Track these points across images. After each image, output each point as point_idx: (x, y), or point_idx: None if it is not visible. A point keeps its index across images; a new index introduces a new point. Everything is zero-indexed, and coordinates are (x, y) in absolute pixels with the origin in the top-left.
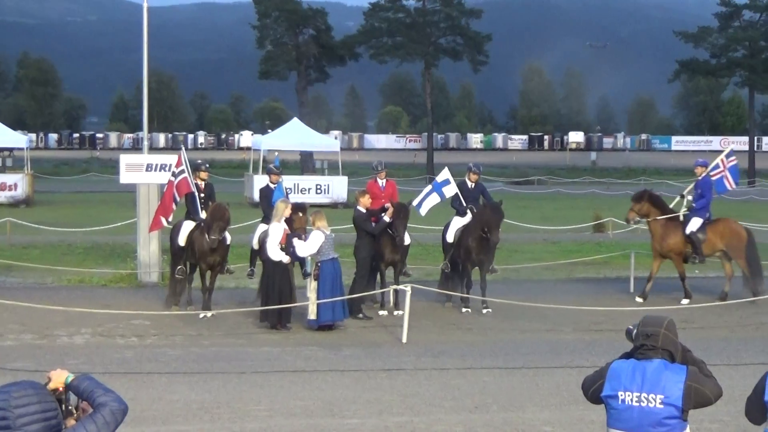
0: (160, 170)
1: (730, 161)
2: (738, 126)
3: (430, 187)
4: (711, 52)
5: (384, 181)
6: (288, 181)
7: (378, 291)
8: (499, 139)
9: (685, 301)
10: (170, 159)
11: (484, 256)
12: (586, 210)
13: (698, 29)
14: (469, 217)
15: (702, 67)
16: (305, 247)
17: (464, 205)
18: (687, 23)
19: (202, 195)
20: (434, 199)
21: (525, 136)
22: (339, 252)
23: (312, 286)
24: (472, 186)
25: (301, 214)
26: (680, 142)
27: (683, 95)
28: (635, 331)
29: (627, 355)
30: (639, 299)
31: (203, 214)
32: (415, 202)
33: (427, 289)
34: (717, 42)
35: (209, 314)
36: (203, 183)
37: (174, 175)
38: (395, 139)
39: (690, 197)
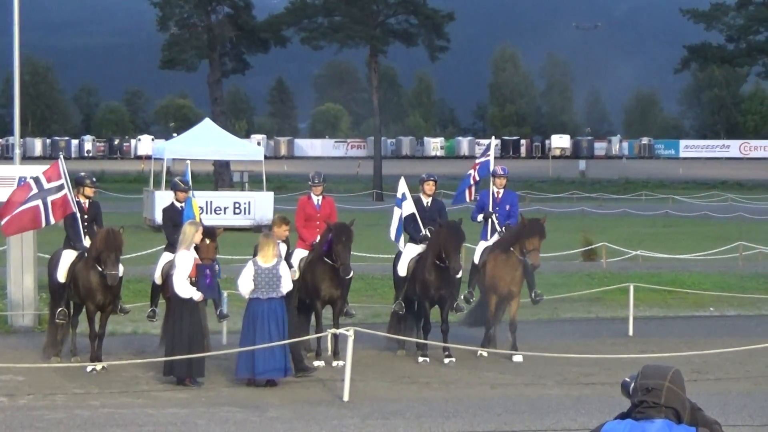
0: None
1: (484, 157)
2: (763, 127)
3: (398, 210)
4: (727, 35)
5: (320, 197)
6: (199, 198)
7: (312, 336)
8: (464, 144)
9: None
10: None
11: (446, 290)
12: (574, 233)
13: (711, 7)
14: (425, 244)
15: (716, 53)
16: (238, 282)
17: (421, 230)
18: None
19: (86, 216)
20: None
21: (497, 141)
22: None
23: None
24: (428, 203)
25: (208, 241)
26: (690, 148)
27: (693, 89)
28: (633, 384)
29: (623, 415)
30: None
31: (87, 242)
32: (392, 235)
33: (374, 333)
34: (734, 23)
35: (99, 367)
36: (87, 201)
37: (44, 191)
38: (334, 145)
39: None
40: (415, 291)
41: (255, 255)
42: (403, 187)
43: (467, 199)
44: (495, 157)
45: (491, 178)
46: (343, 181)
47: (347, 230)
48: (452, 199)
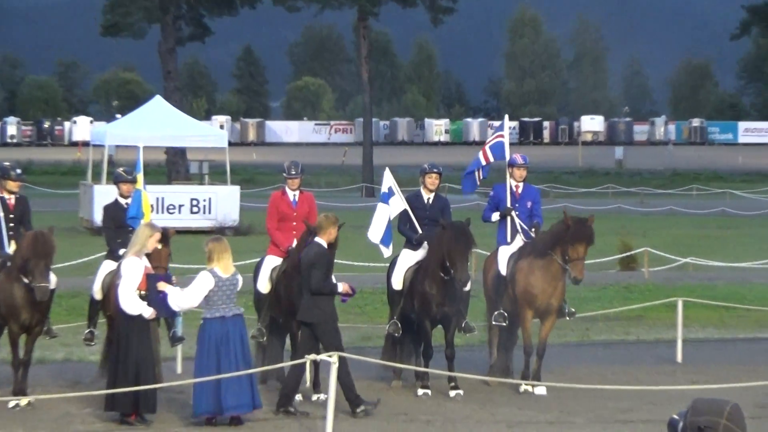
0: None
1: (495, 138)
2: None
3: (383, 207)
4: None
5: (297, 193)
6: (149, 193)
7: (287, 363)
8: (473, 127)
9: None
10: None
11: (450, 306)
12: (609, 236)
13: None
14: (425, 250)
15: None
16: (184, 296)
17: (417, 230)
18: None
19: (11, 216)
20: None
21: (513, 123)
22: (241, 303)
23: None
24: (429, 200)
25: (161, 246)
26: (751, 132)
27: (754, 59)
28: (682, 422)
29: None
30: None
31: (11, 248)
32: (373, 237)
33: (363, 359)
34: None
35: (24, 402)
36: (13, 197)
37: None
38: (314, 129)
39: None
40: (413, 308)
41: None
42: (388, 180)
43: (477, 182)
44: (511, 144)
45: (508, 169)
46: (325, 173)
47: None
48: (461, 189)
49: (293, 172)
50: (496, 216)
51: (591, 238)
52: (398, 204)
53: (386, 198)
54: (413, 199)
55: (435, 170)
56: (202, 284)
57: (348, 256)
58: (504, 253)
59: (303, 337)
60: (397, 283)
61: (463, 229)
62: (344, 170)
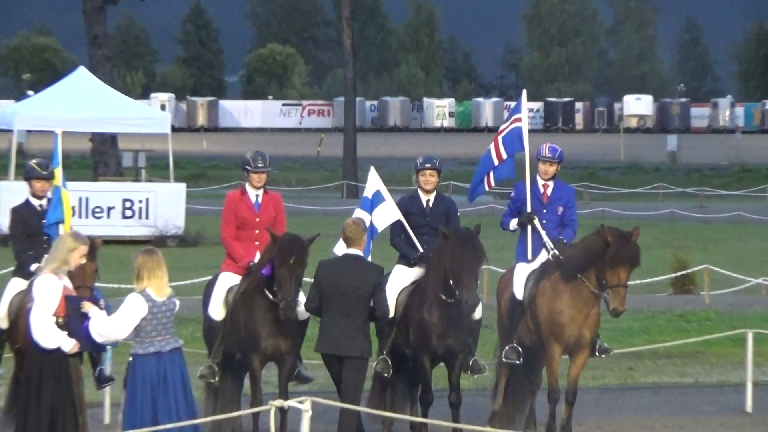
0: None
1: (511, 123)
2: None
3: (363, 215)
4: None
5: (260, 192)
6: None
7: (246, 411)
8: (485, 109)
9: None
10: None
11: (455, 339)
12: (659, 249)
13: None
14: (419, 268)
15: None
16: (109, 324)
17: (415, 244)
18: None
19: None
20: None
21: (537, 104)
22: (183, 334)
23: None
24: (429, 203)
25: (85, 260)
26: None
27: None
28: None
29: None
30: None
31: None
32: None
33: (342, 407)
34: None
35: None
36: None
37: None
38: (281, 111)
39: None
40: (408, 340)
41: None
42: (374, 182)
43: (486, 188)
44: (532, 131)
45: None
46: (296, 168)
47: (299, 246)
48: (468, 194)
49: (260, 165)
50: (514, 224)
51: (636, 259)
52: (389, 213)
53: (369, 205)
54: (408, 203)
55: (431, 165)
56: (133, 310)
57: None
58: (521, 272)
59: (346, 373)
60: (389, 308)
61: (469, 237)
62: (320, 164)
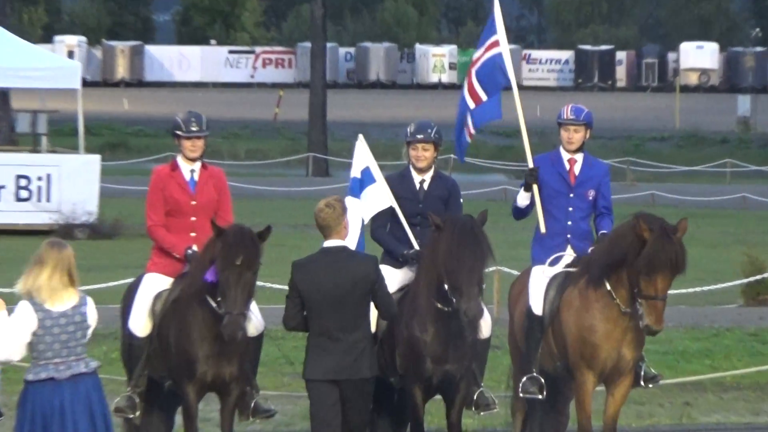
0: None
1: (487, 50)
2: None
3: (353, 202)
4: None
5: (197, 166)
6: None
7: None
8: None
9: None
10: None
11: (455, 362)
12: (726, 247)
13: None
14: (408, 269)
15: None
16: None
17: (407, 237)
18: None
19: None
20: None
21: (566, 54)
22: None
23: None
24: (424, 183)
25: None
26: None
27: None
28: None
29: None
30: None
31: None
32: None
33: None
34: None
35: None
36: None
37: None
38: (227, 60)
39: None
40: (393, 365)
41: (31, 287)
42: (363, 156)
43: (468, 139)
44: (563, 88)
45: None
46: (247, 135)
47: (249, 242)
48: (455, 151)
49: (193, 129)
50: (523, 198)
51: (678, 264)
52: (381, 197)
53: (358, 188)
54: (396, 184)
55: (422, 136)
56: (16, 324)
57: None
58: (539, 278)
59: (350, 402)
60: (372, 319)
61: (469, 227)
62: (279, 130)
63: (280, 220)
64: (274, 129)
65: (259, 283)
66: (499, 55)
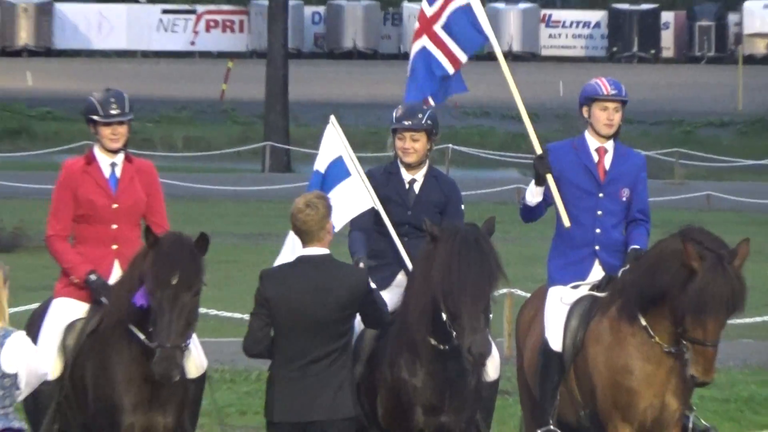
0: None
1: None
2: None
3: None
4: None
5: (119, 158)
6: None
7: None
8: (508, 21)
9: None
10: None
11: (453, 412)
12: None
13: None
14: (398, 287)
15: None
16: None
17: (396, 247)
18: None
19: None
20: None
21: (597, 15)
22: None
23: None
24: (415, 184)
25: None
26: None
27: None
28: None
29: None
30: None
31: None
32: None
33: None
34: None
35: None
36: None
37: None
38: (162, 22)
39: None
40: (374, 415)
41: None
42: (333, 143)
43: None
44: (593, 59)
45: (586, 106)
46: (185, 119)
47: (187, 255)
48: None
49: (113, 112)
50: (533, 194)
51: (735, 303)
52: (358, 197)
53: (319, 185)
54: (380, 183)
55: (411, 123)
56: None
57: (233, 304)
58: (557, 302)
59: None
60: None
61: (473, 240)
62: (227, 113)
63: (228, 229)
64: (220, 111)
65: (201, 310)
66: (468, 6)
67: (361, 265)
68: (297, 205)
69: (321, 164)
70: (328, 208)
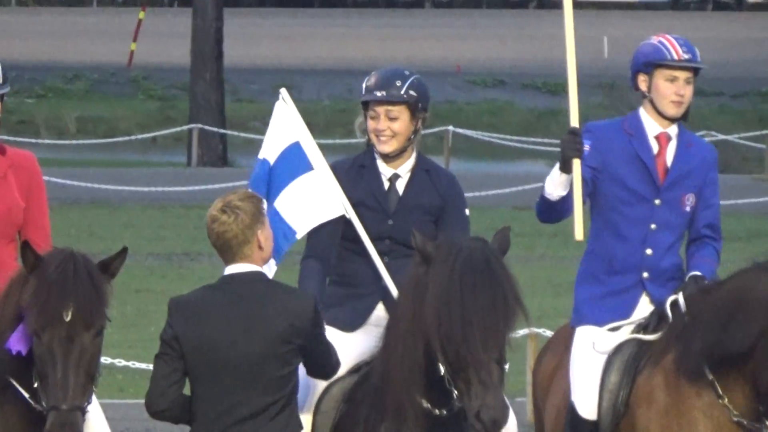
0: None
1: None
2: None
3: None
4: None
5: None
6: None
7: None
8: None
9: None
10: None
11: None
12: None
13: None
14: (376, 326)
15: None
16: None
17: (373, 269)
18: None
19: None
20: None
21: None
22: None
23: None
24: (396, 182)
25: None
26: None
27: None
28: None
29: None
30: None
31: None
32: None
33: None
34: None
35: None
36: None
37: None
38: None
39: None
40: None
41: None
42: (285, 123)
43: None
44: (647, 4)
45: (644, 74)
46: (80, 91)
47: (85, 277)
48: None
49: None
50: (556, 184)
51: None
52: (328, 198)
53: (264, 179)
54: (349, 179)
55: (383, 94)
56: None
57: (149, 346)
58: (586, 351)
59: None
60: (305, 422)
61: (481, 258)
62: (137, 83)
63: (141, 246)
64: (128, 80)
65: (104, 359)
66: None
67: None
68: (211, 210)
69: (269, 151)
70: (256, 214)
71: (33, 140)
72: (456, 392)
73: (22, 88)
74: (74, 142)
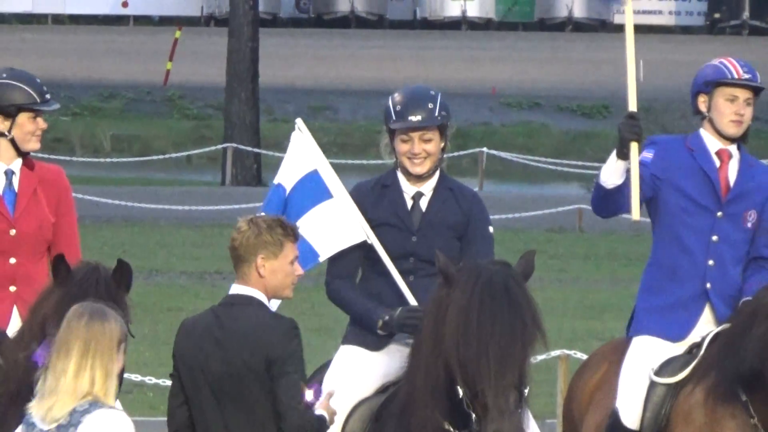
0: None
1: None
2: None
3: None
4: None
5: (18, 163)
6: None
7: None
8: None
9: None
10: None
11: None
12: None
13: None
14: (399, 348)
15: None
16: None
17: (402, 292)
18: None
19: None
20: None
21: None
22: None
23: None
24: (420, 201)
25: None
26: None
27: None
28: None
29: None
30: None
31: None
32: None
33: None
34: None
35: None
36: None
37: None
38: None
39: None
40: None
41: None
42: (302, 152)
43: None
44: (684, 28)
45: (704, 95)
46: (114, 110)
47: (104, 293)
48: None
49: (47, 97)
50: (611, 172)
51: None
52: (343, 226)
53: (303, 201)
54: (371, 202)
55: (419, 118)
56: None
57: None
58: (640, 360)
59: None
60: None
61: (501, 282)
62: (173, 103)
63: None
64: (164, 99)
65: (134, 376)
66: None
67: (380, 323)
68: (236, 230)
69: (285, 178)
70: (268, 241)
71: (68, 158)
72: (473, 416)
73: (59, 107)
74: (109, 160)
